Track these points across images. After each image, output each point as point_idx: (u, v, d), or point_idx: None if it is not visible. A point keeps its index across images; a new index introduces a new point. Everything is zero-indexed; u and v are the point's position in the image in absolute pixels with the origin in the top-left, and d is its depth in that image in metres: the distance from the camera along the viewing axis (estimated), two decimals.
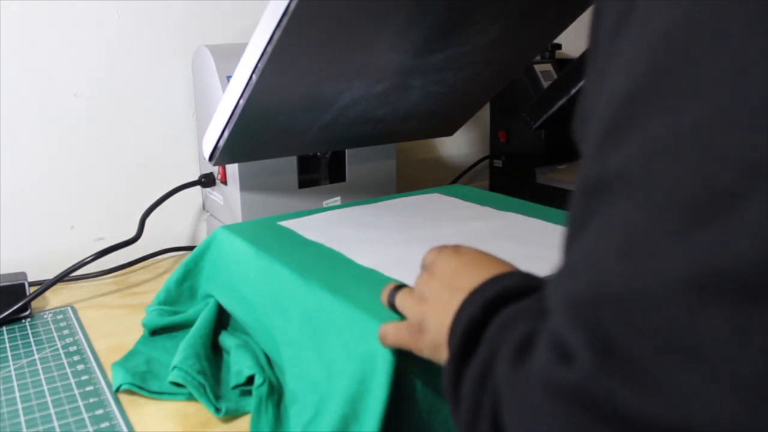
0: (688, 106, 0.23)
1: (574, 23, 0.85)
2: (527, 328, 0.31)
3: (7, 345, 0.71)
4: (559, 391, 0.25)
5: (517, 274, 0.41)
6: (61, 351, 0.70)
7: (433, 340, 0.42)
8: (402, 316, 0.48)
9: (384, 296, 0.50)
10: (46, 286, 0.81)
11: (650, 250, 0.23)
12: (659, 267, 0.22)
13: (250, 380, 0.59)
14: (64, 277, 0.83)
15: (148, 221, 0.93)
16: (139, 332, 0.72)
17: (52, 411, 0.59)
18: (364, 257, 0.62)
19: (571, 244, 0.27)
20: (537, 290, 0.36)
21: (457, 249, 0.46)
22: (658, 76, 0.24)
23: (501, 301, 0.37)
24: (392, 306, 0.49)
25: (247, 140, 0.79)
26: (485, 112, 1.28)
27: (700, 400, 0.21)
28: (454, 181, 1.30)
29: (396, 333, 0.46)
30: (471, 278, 0.41)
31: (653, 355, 0.22)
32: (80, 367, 0.67)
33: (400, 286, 0.49)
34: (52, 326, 0.76)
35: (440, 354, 0.42)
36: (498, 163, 1.26)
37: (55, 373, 0.65)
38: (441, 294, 0.42)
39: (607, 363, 0.23)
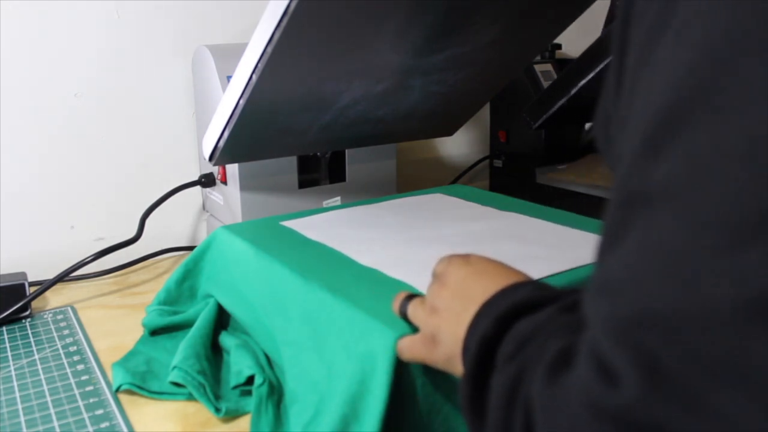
0: (735, 121, 0.22)
1: (574, 23, 0.85)
2: (558, 343, 0.30)
3: (7, 345, 0.71)
4: (604, 413, 0.24)
5: (529, 284, 0.40)
6: (61, 351, 0.70)
7: (447, 352, 0.42)
8: (412, 326, 0.48)
9: (395, 306, 0.50)
10: (46, 286, 0.81)
11: (698, 270, 0.22)
12: (708, 289, 0.22)
13: (250, 380, 0.59)
14: (64, 277, 0.83)
15: (148, 221, 0.93)
16: (139, 332, 0.72)
17: (52, 411, 0.59)
18: (364, 257, 0.62)
19: (606, 254, 0.27)
20: (550, 301, 0.36)
21: (467, 258, 0.46)
22: (704, 87, 0.23)
23: (514, 314, 0.36)
24: (404, 316, 0.48)
25: (247, 140, 0.79)
26: (485, 112, 1.28)
27: (751, 426, 0.21)
28: (454, 181, 1.30)
29: (411, 347, 0.46)
30: (482, 288, 0.41)
31: (704, 379, 0.22)
32: (80, 367, 0.67)
33: (412, 296, 0.49)
34: (52, 326, 0.76)
35: (454, 366, 0.42)
36: (498, 163, 1.26)
37: (55, 373, 0.65)
38: (453, 305, 0.42)
39: (655, 386, 0.23)
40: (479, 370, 0.36)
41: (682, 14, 0.25)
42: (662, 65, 0.25)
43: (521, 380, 0.31)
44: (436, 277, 0.46)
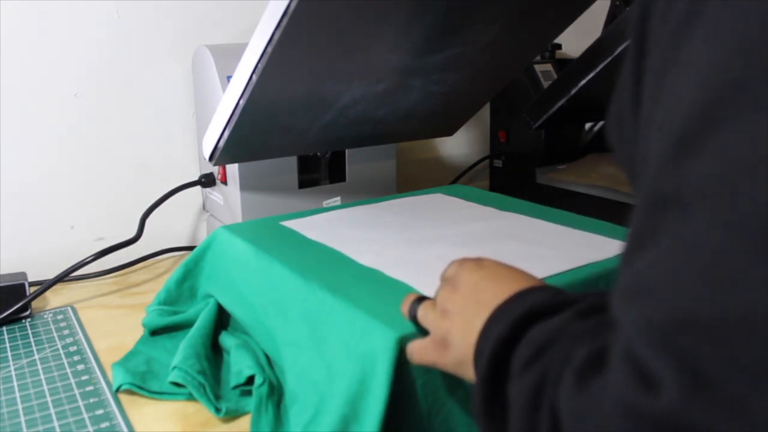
0: None
1: (574, 23, 0.85)
2: (584, 348, 0.30)
3: (7, 345, 0.71)
4: (642, 418, 0.24)
5: (543, 288, 0.40)
6: (61, 351, 0.70)
7: (458, 356, 0.42)
8: (421, 329, 0.47)
9: (405, 308, 0.49)
10: (46, 286, 0.81)
11: (738, 274, 0.22)
12: (749, 293, 0.21)
13: (250, 380, 0.59)
14: (64, 277, 0.83)
15: (148, 221, 0.93)
16: (139, 332, 0.72)
17: (52, 411, 0.59)
18: (364, 257, 0.62)
19: (635, 257, 0.26)
20: (565, 306, 0.36)
21: (479, 262, 0.45)
22: (739, 85, 0.23)
23: (530, 319, 0.36)
24: (414, 319, 0.48)
25: (247, 140, 0.79)
26: (485, 112, 1.28)
27: None
28: (454, 181, 1.30)
29: (421, 350, 0.45)
30: (495, 293, 0.40)
31: (747, 384, 0.21)
32: (80, 367, 0.67)
33: (421, 298, 0.48)
34: (52, 326, 0.76)
35: (465, 370, 0.41)
36: (498, 163, 1.26)
37: (55, 373, 0.65)
38: (465, 309, 0.42)
39: (698, 392, 0.22)
40: (493, 375, 0.36)
41: (712, 12, 0.24)
42: (693, 64, 0.25)
43: (544, 386, 0.31)
44: (447, 280, 0.46)
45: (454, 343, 0.42)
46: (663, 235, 0.25)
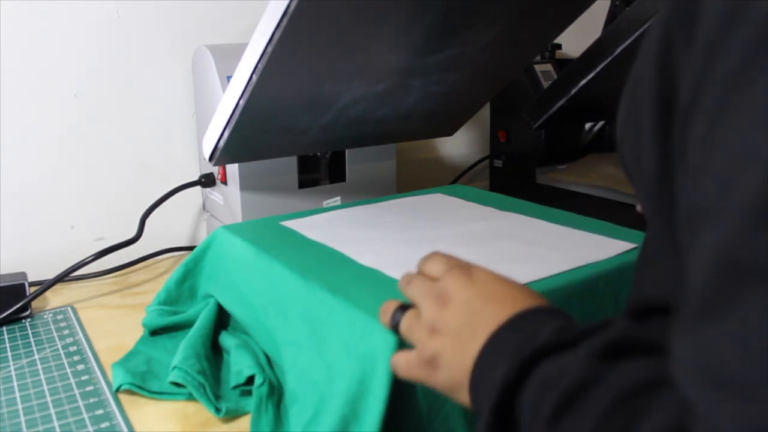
0: None
1: (574, 23, 0.85)
2: (650, 424, 0.27)
3: (7, 345, 0.71)
4: None
5: (542, 312, 0.38)
6: (61, 351, 0.70)
7: (450, 380, 0.39)
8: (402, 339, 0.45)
9: (385, 318, 0.46)
10: (46, 286, 0.81)
11: None
12: None
13: (250, 380, 0.59)
14: (64, 277, 0.83)
15: (148, 221, 0.93)
16: (139, 332, 0.72)
17: (52, 411, 0.59)
18: (364, 257, 0.62)
19: (702, 323, 0.24)
20: (572, 339, 0.34)
21: (469, 273, 0.42)
22: None
23: (539, 357, 0.34)
24: (396, 329, 0.45)
25: (247, 140, 0.79)
26: (485, 112, 1.28)
27: None
28: (454, 181, 1.30)
29: (407, 366, 0.43)
30: (491, 316, 0.38)
31: None
32: (80, 367, 0.67)
33: (404, 306, 0.45)
34: (52, 326, 0.76)
35: (459, 395, 0.39)
36: (498, 163, 1.26)
37: (55, 373, 0.65)
38: (457, 332, 0.39)
39: None
40: (499, 418, 0.34)
41: None
42: (760, 119, 0.23)
43: None
44: (436, 292, 0.42)
45: (445, 365, 0.40)
46: (741, 308, 0.23)
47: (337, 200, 0.97)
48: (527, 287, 0.42)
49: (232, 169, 0.89)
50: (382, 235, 0.69)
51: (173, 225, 1.03)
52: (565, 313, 0.39)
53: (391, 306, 0.46)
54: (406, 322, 0.44)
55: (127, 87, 0.96)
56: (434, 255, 0.46)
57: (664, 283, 0.36)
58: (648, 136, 0.31)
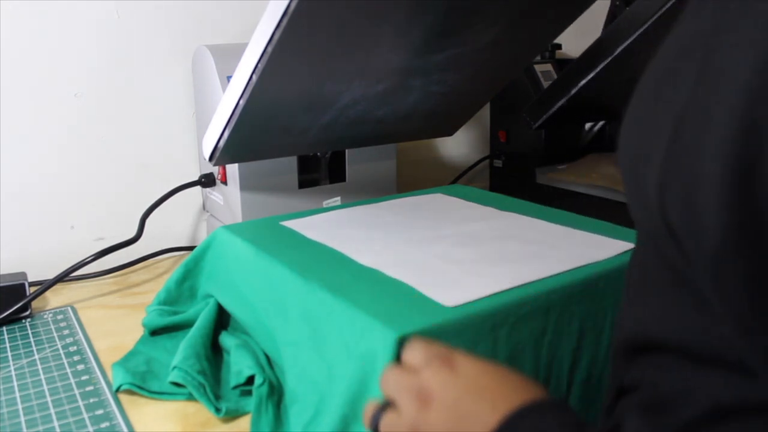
0: None
1: (574, 23, 0.85)
2: None
3: (7, 345, 0.71)
4: None
5: (539, 413, 0.35)
6: (61, 351, 0.70)
7: None
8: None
9: (366, 418, 0.42)
10: (46, 286, 0.81)
11: None
12: None
13: (250, 380, 0.59)
14: (64, 277, 0.83)
15: (148, 221, 0.93)
16: (139, 332, 0.72)
17: (52, 411, 0.59)
18: (364, 257, 0.62)
19: None
20: None
21: (452, 366, 0.39)
22: None
23: None
24: (375, 431, 0.41)
25: (247, 140, 0.79)
26: (485, 112, 1.28)
27: None
28: (454, 181, 1.30)
29: None
30: (481, 418, 0.35)
31: None
32: (80, 367, 0.67)
33: (387, 405, 0.41)
34: (52, 326, 0.76)
35: None
36: (498, 163, 1.26)
37: (55, 373, 0.65)
38: None
39: None
40: None
41: None
42: None
43: None
44: (418, 389, 0.39)
45: None
46: None
47: (337, 200, 0.97)
48: (516, 374, 0.39)
49: (232, 169, 0.89)
50: (382, 235, 0.69)
51: (173, 225, 1.03)
52: (561, 403, 0.37)
53: (371, 407, 0.42)
54: (386, 423, 0.40)
55: (127, 87, 0.96)
56: (413, 343, 0.43)
57: (670, 320, 0.34)
58: (713, 196, 0.26)
